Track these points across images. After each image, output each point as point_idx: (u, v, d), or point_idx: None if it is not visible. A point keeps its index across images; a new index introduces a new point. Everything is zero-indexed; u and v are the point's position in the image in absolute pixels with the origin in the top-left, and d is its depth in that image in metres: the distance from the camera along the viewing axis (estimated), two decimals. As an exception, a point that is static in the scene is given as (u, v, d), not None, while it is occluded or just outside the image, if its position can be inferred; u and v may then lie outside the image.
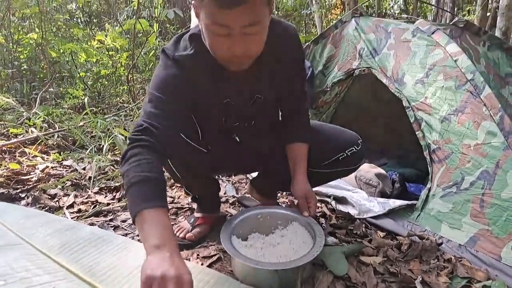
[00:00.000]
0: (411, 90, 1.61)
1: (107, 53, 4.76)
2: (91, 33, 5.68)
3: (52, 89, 4.01)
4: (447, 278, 1.11)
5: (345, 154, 1.26)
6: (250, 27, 0.87)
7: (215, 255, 1.20)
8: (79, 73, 4.50)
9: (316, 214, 1.31)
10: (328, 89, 2.19)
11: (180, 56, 1.03)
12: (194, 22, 2.38)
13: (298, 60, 1.21)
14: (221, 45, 0.90)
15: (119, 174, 1.94)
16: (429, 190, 1.45)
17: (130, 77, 4.07)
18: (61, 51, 4.59)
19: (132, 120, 3.15)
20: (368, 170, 1.79)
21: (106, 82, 4.73)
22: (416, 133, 1.55)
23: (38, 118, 2.83)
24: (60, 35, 4.92)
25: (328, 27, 2.27)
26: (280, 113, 1.33)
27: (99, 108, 3.82)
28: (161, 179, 0.87)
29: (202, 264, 1.14)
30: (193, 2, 0.92)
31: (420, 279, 1.09)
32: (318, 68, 2.21)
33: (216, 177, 1.54)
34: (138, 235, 1.34)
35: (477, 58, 1.58)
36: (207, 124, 1.18)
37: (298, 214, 1.18)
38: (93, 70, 4.62)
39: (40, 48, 4.25)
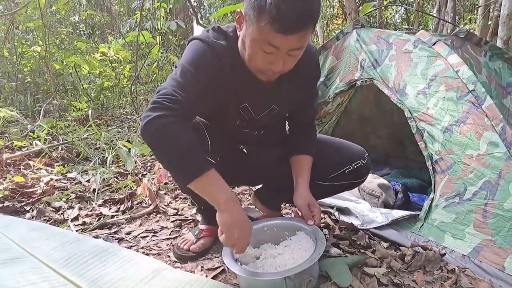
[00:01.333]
0: (413, 101, 1.63)
1: (110, 65, 4.82)
2: (94, 46, 5.76)
3: (55, 102, 4.05)
4: (451, 289, 1.11)
5: (352, 167, 1.28)
6: (296, 51, 0.94)
7: (219, 267, 1.20)
8: (82, 86, 4.55)
9: (321, 223, 1.31)
10: (330, 99, 2.20)
11: (215, 43, 1.03)
12: (196, 33, 2.42)
13: (315, 77, 1.27)
14: (263, 59, 0.95)
15: (123, 186, 1.96)
16: (432, 200, 1.45)
17: (133, 89, 4.11)
18: (65, 63, 4.64)
19: (135, 132, 3.17)
20: (371, 180, 1.80)
21: (109, 94, 4.78)
22: (419, 143, 1.56)
23: (42, 131, 2.86)
24: (63, 47, 4.98)
25: (329, 38, 2.30)
26: (288, 126, 1.36)
27: (102, 120, 3.85)
28: (195, 140, 0.94)
29: (206, 276, 1.14)
30: (241, 10, 0.95)
31: (425, 290, 1.09)
32: (320, 79, 2.23)
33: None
34: (142, 247, 1.35)
35: (478, 69, 1.60)
36: (218, 129, 1.20)
37: (303, 224, 1.19)
38: (96, 82, 4.67)
39: (43, 60, 4.30)
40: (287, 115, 1.35)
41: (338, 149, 1.32)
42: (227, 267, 1.07)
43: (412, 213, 1.51)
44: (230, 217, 0.94)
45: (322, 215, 1.62)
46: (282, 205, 1.78)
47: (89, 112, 3.34)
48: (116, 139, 2.64)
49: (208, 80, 1.00)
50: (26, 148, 2.64)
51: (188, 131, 0.92)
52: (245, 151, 1.32)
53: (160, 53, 4.69)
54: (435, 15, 5.53)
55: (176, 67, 1.02)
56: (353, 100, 2.63)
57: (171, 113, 0.89)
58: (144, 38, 4.17)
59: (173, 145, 0.88)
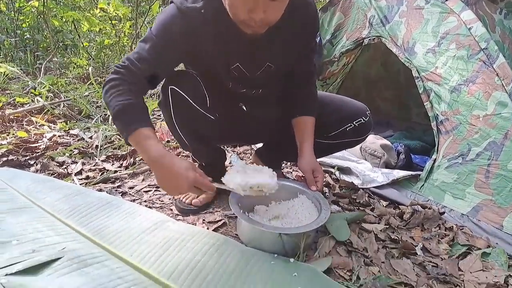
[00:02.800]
0: (422, 59, 1.58)
1: (110, 22, 4.67)
2: (93, 1, 5.55)
3: (56, 59, 3.97)
4: (447, 245, 1.13)
5: (353, 125, 1.26)
6: None
7: (220, 220, 1.23)
8: (82, 43, 4.44)
9: (323, 188, 1.31)
10: (336, 59, 2.14)
11: (188, 8, 0.99)
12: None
13: (312, 31, 1.19)
14: (243, 6, 0.88)
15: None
16: (435, 161, 1.45)
17: (134, 47, 4.00)
18: (64, 19, 4.50)
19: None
20: (373, 141, 1.79)
21: (110, 52, 4.67)
22: (425, 104, 1.53)
23: (44, 88, 2.82)
24: (61, 3, 4.81)
25: (337, -6, 2.19)
26: (288, 84, 1.30)
27: (103, 79, 3.79)
28: (142, 103, 0.97)
29: (207, 229, 1.16)
30: None
31: (421, 245, 1.12)
32: (326, 37, 2.16)
33: (222, 146, 1.54)
34: (145, 201, 1.37)
35: (492, 26, 1.53)
36: (214, 88, 1.17)
37: (306, 188, 1.19)
38: (97, 40, 4.55)
39: (42, 16, 4.17)
40: (285, 73, 1.30)
41: (339, 106, 1.29)
42: (234, 220, 1.06)
43: (413, 173, 1.52)
44: (158, 173, 0.94)
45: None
46: (283, 165, 1.79)
47: (90, 69, 3.28)
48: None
49: (174, 50, 1.02)
50: (28, 105, 2.62)
51: (128, 93, 0.94)
52: (245, 108, 1.29)
53: (160, 9, 4.53)
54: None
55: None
56: (359, 60, 2.56)
57: (117, 77, 0.96)
58: (144, -7, 4.01)
59: (111, 105, 0.93)
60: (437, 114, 1.48)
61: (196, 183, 0.92)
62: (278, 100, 1.32)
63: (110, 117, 0.95)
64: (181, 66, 1.28)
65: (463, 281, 0.97)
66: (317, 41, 2.13)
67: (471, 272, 1.00)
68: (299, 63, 1.23)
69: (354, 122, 1.26)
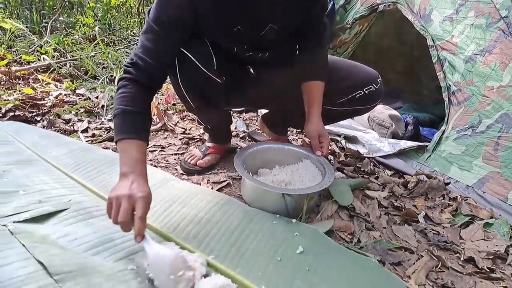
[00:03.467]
0: (438, 27, 1.52)
1: (117, -19, 4.54)
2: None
3: (62, 18, 3.89)
4: (450, 215, 1.13)
5: (363, 92, 1.22)
6: None
7: (224, 181, 1.23)
8: (88, 2, 4.34)
9: (328, 154, 1.30)
10: (349, 25, 2.07)
11: None
12: None
13: None
14: None
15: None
16: (443, 132, 1.42)
17: (141, 9, 3.91)
18: (70, -23, 4.38)
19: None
20: (382, 111, 1.76)
21: (116, 14, 4.57)
22: (437, 73, 1.49)
23: (50, 46, 2.79)
24: (68, -40, 4.66)
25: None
26: (297, 47, 1.23)
27: (110, 39, 3.73)
28: (139, 111, 0.93)
29: (212, 189, 1.17)
30: None
31: (424, 214, 1.12)
32: (340, 3, 2.08)
33: (228, 110, 1.52)
34: (150, 160, 1.38)
35: (515, -6, 1.46)
36: (221, 52, 1.14)
37: (311, 153, 1.18)
38: (103, 1, 4.44)
39: (47, -28, 4.06)
40: (292, 34, 1.24)
41: (350, 72, 1.25)
42: (238, 181, 1.05)
43: (420, 144, 1.50)
44: (117, 188, 0.80)
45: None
46: (289, 132, 1.78)
47: (96, 29, 3.22)
48: (124, 59, 2.58)
49: (176, 27, 0.99)
50: (34, 63, 2.60)
51: (131, 98, 0.92)
52: (252, 71, 1.26)
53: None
54: None
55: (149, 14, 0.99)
56: (372, 29, 2.47)
57: (127, 76, 0.94)
58: (152, -48, 3.85)
59: (114, 106, 0.92)
60: (449, 85, 1.44)
61: (126, 213, 0.75)
62: (286, 64, 1.27)
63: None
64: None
65: (463, 249, 0.97)
66: (330, 6, 2.05)
67: (472, 241, 1.01)
68: (307, 24, 1.16)
69: (364, 89, 1.22)
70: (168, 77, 1.12)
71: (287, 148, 1.25)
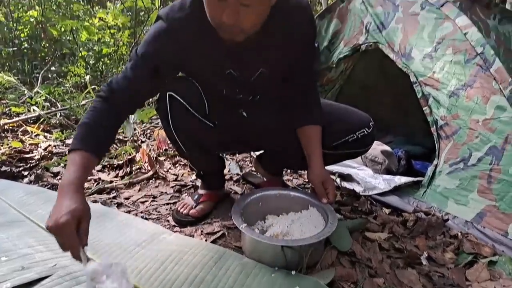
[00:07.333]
0: (419, 65, 1.56)
1: (108, 31, 4.67)
2: (92, 11, 5.56)
3: (53, 68, 3.96)
4: (453, 254, 1.10)
5: (355, 136, 1.22)
6: None
7: (219, 231, 1.19)
8: (80, 52, 4.44)
9: (335, 201, 1.26)
10: (334, 65, 2.13)
11: (173, 17, 0.98)
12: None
13: (309, 35, 1.14)
14: (215, 10, 0.86)
15: (122, 152, 1.93)
16: (436, 166, 1.42)
17: (132, 56, 3.99)
18: (62, 29, 4.51)
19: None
20: (374, 147, 1.75)
21: (108, 61, 4.66)
22: (423, 108, 1.52)
23: (40, 97, 2.80)
24: (60, 12, 4.82)
25: (334, 1, 2.19)
26: (289, 91, 1.24)
27: (101, 87, 3.78)
28: (102, 125, 0.95)
29: (206, 240, 1.13)
30: None
31: (426, 255, 1.08)
32: (324, 44, 2.15)
33: (221, 154, 1.52)
34: (141, 212, 1.34)
35: (487, 32, 1.52)
36: (212, 95, 1.14)
37: (317, 200, 1.14)
38: (95, 49, 4.55)
39: (40, 26, 4.18)
40: (284, 78, 1.24)
41: (342, 116, 1.25)
42: (234, 231, 1.03)
43: (415, 179, 1.49)
44: (57, 204, 0.81)
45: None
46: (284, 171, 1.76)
47: (87, 78, 3.26)
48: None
49: (162, 61, 1.02)
50: (23, 114, 2.60)
51: (96, 113, 0.96)
52: (245, 114, 1.26)
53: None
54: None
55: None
56: (357, 66, 2.54)
57: (99, 94, 1.00)
58: (143, 3, 4.01)
59: (82, 118, 0.98)
60: (436, 119, 1.46)
61: (63, 230, 0.77)
62: (279, 106, 1.28)
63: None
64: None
65: (470, 291, 0.94)
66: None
67: (478, 282, 0.97)
68: (298, 68, 1.18)
69: (357, 133, 1.21)
70: (142, 106, 1.17)
71: (293, 195, 1.22)
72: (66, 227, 0.76)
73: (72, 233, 0.77)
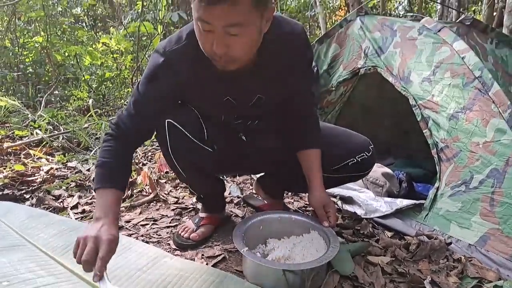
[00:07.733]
0: (418, 88, 1.59)
1: (111, 55, 4.78)
2: (95, 36, 5.72)
3: (57, 92, 4.04)
4: (457, 278, 1.08)
5: (355, 160, 1.22)
6: (232, 28, 0.83)
7: (220, 255, 1.18)
8: (83, 76, 4.52)
9: (336, 224, 1.25)
10: (333, 88, 2.17)
11: (170, 50, 1.01)
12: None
13: (305, 60, 1.16)
14: (206, 41, 0.88)
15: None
16: (437, 189, 1.42)
17: (135, 80, 4.08)
18: (66, 54, 4.62)
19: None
20: (374, 169, 1.76)
21: (110, 85, 4.75)
22: (423, 131, 1.53)
23: (43, 120, 2.84)
24: (65, 38, 4.95)
25: (333, 26, 2.25)
26: (288, 115, 1.26)
27: (103, 110, 3.83)
28: (118, 164, 1.02)
29: (207, 264, 1.12)
30: None
31: (429, 279, 1.07)
32: (323, 68, 2.20)
33: (221, 177, 1.52)
34: (142, 235, 1.33)
35: (484, 56, 1.56)
36: (211, 120, 1.16)
37: (318, 224, 1.14)
38: (98, 73, 4.64)
39: (45, 51, 4.28)
40: (281, 103, 1.24)
41: (342, 140, 1.26)
42: (235, 254, 1.03)
43: (417, 202, 1.48)
44: (89, 230, 0.87)
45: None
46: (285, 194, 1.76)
47: (90, 101, 3.31)
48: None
49: (163, 94, 1.06)
50: (27, 138, 2.62)
51: (112, 152, 1.02)
52: (244, 138, 1.27)
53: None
54: (439, 4, 5.45)
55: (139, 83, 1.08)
56: (357, 89, 2.58)
57: (110, 132, 1.06)
58: (145, 28, 4.12)
59: (98, 158, 1.03)
60: (436, 142, 1.48)
61: (89, 253, 0.81)
62: (278, 130, 1.29)
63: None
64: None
65: (476, 317, 0.92)
66: (315, 71, 2.16)
67: (483, 307, 0.95)
68: (297, 92, 1.20)
69: (356, 157, 1.22)
70: (153, 135, 1.18)
71: (294, 218, 1.21)
72: (92, 242, 0.82)
73: (94, 249, 0.82)
